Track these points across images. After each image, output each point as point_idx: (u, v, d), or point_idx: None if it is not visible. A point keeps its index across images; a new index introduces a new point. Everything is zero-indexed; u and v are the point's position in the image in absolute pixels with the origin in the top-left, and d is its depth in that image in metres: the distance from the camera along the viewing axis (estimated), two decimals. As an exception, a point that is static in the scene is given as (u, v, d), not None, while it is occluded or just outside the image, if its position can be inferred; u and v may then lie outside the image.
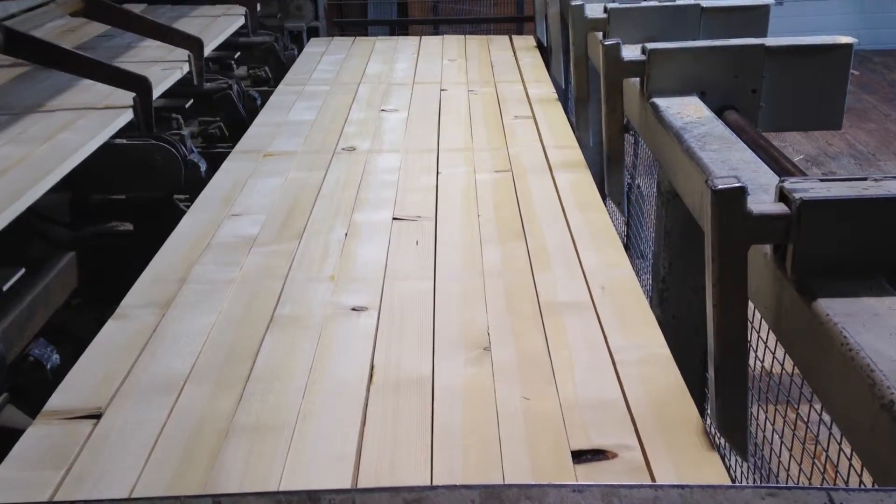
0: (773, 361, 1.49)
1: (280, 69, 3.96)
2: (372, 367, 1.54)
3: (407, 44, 4.23)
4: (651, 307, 2.10)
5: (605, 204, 2.61)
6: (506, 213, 2.24)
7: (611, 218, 2.32)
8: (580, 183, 2.44)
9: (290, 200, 2.33)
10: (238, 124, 3.21)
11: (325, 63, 3.85)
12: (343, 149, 2.74)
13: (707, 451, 1.30)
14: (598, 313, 1.72)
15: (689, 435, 1.33)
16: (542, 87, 3.42)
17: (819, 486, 0.72)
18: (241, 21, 4.05)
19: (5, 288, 1.93)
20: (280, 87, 3.49)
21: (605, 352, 1.58)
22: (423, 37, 4.45)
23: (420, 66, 3.79)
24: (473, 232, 2.12)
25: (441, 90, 3.38)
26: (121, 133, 2.56)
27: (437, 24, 7.23)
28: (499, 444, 1.34)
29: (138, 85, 2.62)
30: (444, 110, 3.12)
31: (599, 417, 1.39)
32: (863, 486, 0.97)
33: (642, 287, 2.40)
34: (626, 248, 2.85)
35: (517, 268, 1.94)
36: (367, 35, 5.96)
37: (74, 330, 2.12)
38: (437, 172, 2.52)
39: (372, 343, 1.62)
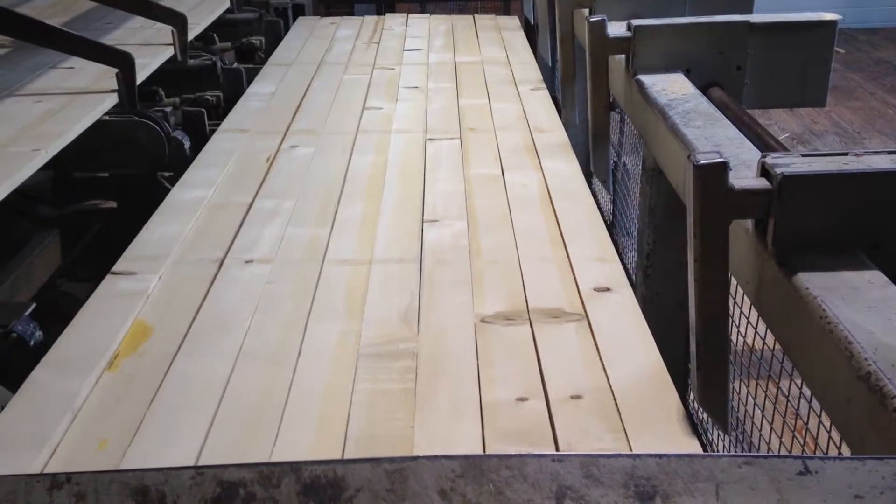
0: (754, 336, 1.50)
1: (277, 42, 3.91)
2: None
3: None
4: (636, 284, 2.12)
5: (591, 182, 2.61)
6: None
7: (597, 197, 2.33)
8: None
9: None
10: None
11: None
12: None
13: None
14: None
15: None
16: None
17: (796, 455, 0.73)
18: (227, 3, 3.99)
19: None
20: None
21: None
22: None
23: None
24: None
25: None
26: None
27: (423, 3, 7.18)
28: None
29: (122, 61, 2.60)
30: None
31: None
32: (839, 454, 0.98)
33: (628, 265, 2.42)
34: (612, 226, 2.86)
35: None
36: (352, 13, 5.92)
37: (58, 308, 2.11)
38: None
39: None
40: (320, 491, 0.70)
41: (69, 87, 2.62)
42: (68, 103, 2.48)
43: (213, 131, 2.72)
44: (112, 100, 2.54)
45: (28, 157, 2.06)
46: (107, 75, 2.65)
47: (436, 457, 0.73)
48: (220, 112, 3.05)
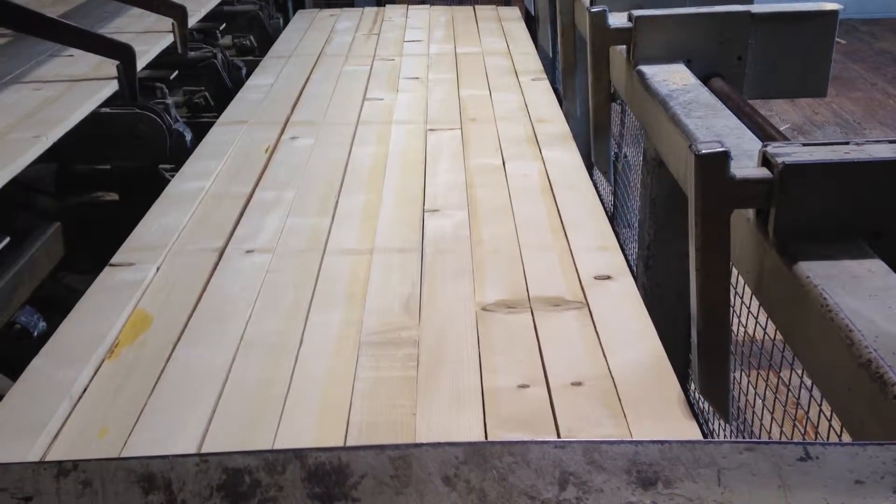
0: (755, 326, 1.51)
1: (265, 38, 3.92)
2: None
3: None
4: (636, 275, 2.12)
5: (592, 174, 2.61)
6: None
7: (598, 188, 2.33)
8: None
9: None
10: (223, 94, 3.18)
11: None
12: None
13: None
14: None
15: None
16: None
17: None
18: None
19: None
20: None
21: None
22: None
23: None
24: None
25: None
26: (106, 102, 2.53)
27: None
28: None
29: (122, 53, 2.59)
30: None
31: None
32: (839, 441, 0.99)
33: (629, 256, 2.42)
34: (613, 217, 2.86)
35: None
36: (352, 5, 5.91)
37: (61, 300, 2.11)
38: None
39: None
40: (325, 477, 0.71)
41: (69, 75, 2.62)
42: (68, 90, 2.48)
43: (209, 124, 2.73)
44: (112, 87, 2.54)
45: (28, 144, 2.06)
46: (106, 63, 2.64)
47: (439, 443, 0.73)
48: (211, 106, 3.06)
